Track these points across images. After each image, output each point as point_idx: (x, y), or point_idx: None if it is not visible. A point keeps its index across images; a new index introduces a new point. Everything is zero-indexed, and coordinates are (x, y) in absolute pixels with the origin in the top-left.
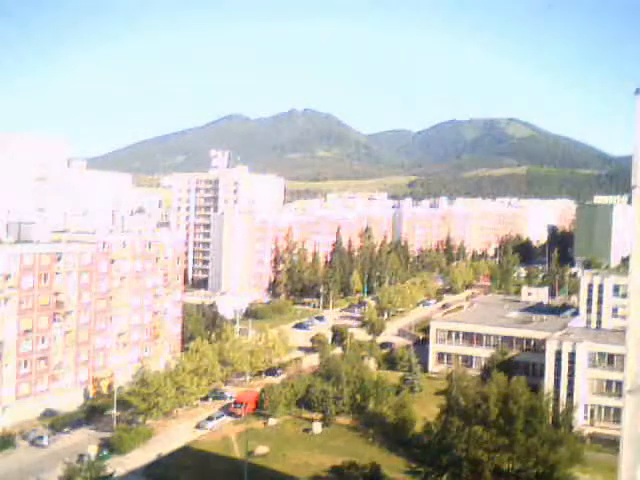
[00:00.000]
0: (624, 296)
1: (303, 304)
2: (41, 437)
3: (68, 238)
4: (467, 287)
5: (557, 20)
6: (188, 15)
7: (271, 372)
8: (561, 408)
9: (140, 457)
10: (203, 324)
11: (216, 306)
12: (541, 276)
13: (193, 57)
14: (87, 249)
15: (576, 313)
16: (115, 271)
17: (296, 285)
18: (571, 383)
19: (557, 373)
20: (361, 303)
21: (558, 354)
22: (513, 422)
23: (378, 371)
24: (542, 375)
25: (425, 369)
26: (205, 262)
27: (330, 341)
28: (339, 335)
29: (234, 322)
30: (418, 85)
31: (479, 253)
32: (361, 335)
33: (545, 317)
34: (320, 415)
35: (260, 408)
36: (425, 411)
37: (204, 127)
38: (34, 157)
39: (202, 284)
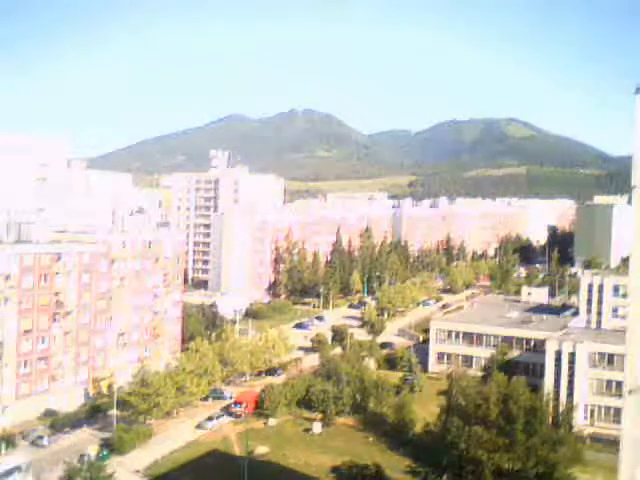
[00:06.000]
0: (624, 296)
1: (303, 304)
2: (41, 437)
3: (68, 238)
4: (467, 287)
5: (557, 20)
6: (188, 15)
7: (271, 372)
8: (561, 408)
9: (140, 457)
10: (203, 324)
11: (216, 306)
12: (541, 276)
13: (193, 57)
14: (87, 249)
15: (576, 313)
16: (115, 271)
17: (296, 285)
18: (571, 383)
19: (557, 373)
20: (361, 303)
21: (558, 354)
22: (513, 422)
23: (378, 371)
24: (542, 375)
25: (425, 369)
26: (205, 262)
27: (330, 341)
28: (339, 335)
29: (234, 322)
30: (418, 85)
31: (479, 253)
32: (361, 335)
33: (545, 317)
34: (320, 415)
35: (260, 408)
36: (425, 411)
37: (204, 127)
38: (34, 157)
39: (202, 284)
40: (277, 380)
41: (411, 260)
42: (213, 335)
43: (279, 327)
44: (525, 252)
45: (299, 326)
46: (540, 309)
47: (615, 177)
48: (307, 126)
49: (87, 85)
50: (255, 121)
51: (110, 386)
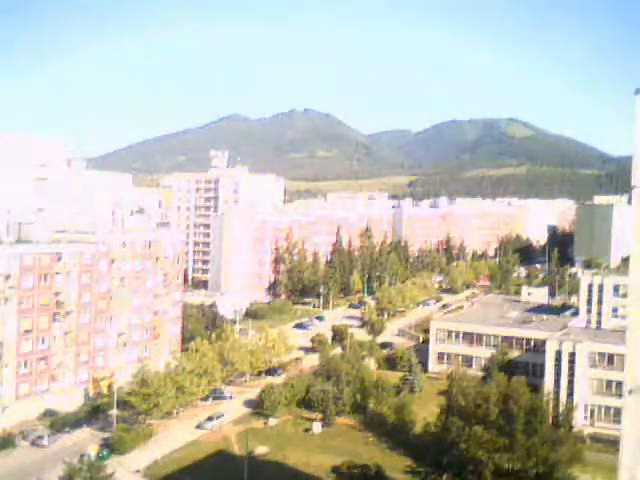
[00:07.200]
0: (624, 296)
1: (303, 304)
2: (41, 437)
3: (68, 238)
4: (467, 287)
5: (558, 20)
6: (188, 15)
7: (271, 372)
8: (561, 408)
9: (140, 457)
10: (203, 324)
11: (216, 306)
12: (541, 276)
13: (193, 57)
14: (87, 249)
15: (576, 313)
16: (115, 271)
17: (296, 285)
18: (571, 383)
19: (557, 373)
20: (361, 303)
21: (558, 354)
22: (513, 422)
23: (378, 371)
24: (542, 375)
25: (425, 369)
26: (205, 262)
27: (330, 341)
28: (339, 335)
29: (234, 322)
30: (418, 85)
31: (479, 253)
32: (361, 335)
33: (545, 317)
34: (320, 415)
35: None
36: (425, 411)
37: (204, 127)
38: (34, 157)
39: (202, 284)
40: (277, 380)
41: (411, 260)
42: (213, 335)
43: (279, 327)
44: (525, 252)
45: (299, 326)
46: (540, 309)
47: (615, 177)
48: (307, 126)
49: (87, 85)
50: (255, 121)
51: (110, 386)
